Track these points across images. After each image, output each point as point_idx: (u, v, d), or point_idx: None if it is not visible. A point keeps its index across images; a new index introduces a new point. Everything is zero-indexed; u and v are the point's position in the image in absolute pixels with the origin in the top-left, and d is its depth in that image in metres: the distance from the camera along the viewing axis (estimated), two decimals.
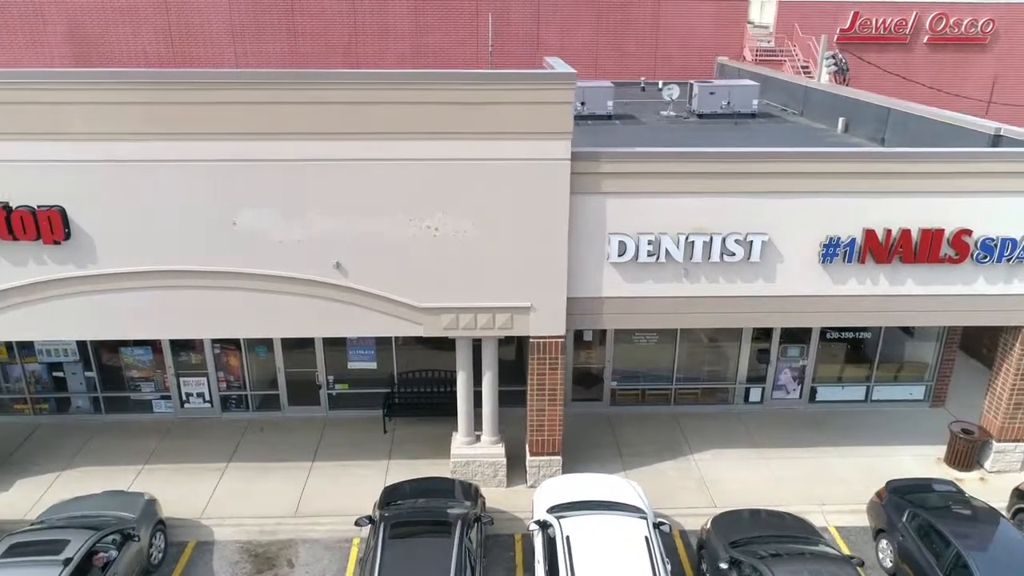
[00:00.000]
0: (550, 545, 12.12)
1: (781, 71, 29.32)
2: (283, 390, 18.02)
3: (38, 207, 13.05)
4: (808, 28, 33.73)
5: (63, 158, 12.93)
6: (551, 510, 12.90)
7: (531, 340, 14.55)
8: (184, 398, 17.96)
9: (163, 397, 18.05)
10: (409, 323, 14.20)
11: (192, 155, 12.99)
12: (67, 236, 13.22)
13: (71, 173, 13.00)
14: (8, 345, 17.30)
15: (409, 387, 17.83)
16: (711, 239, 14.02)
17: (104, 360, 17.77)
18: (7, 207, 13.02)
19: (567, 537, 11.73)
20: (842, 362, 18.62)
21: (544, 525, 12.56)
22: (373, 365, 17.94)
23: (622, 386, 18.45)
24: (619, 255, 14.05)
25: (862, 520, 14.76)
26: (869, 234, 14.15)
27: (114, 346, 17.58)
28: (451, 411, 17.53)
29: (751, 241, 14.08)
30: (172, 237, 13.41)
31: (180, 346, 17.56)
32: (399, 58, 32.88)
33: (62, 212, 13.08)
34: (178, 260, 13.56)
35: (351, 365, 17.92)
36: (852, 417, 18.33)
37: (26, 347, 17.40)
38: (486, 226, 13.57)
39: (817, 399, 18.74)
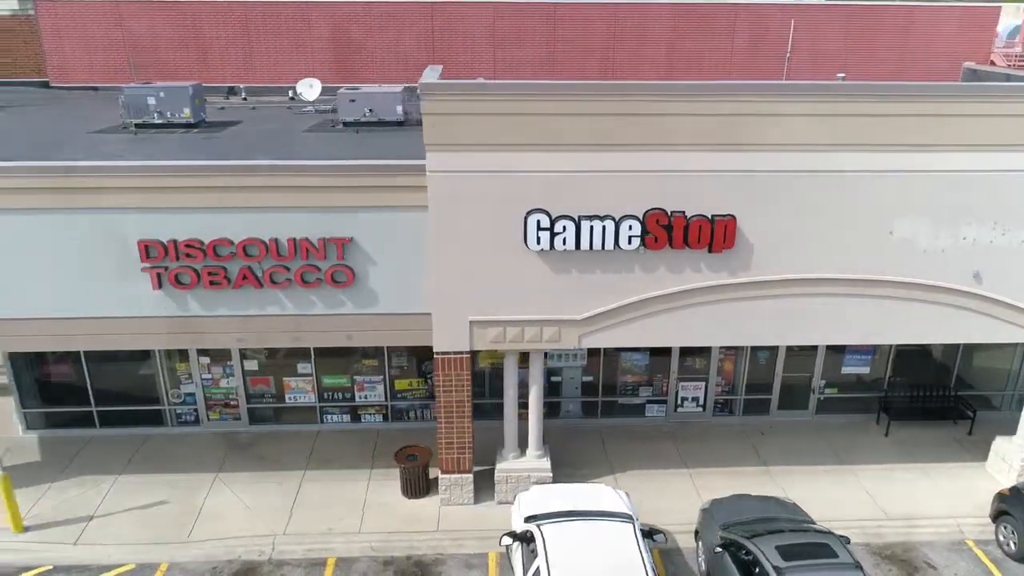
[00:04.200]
0: None
1: None
2: (776, 395, 18.26)
3: (713, 216, 13.31)
4: None
5: (735, 168, 13.18)
6: None
7: None
8: (679, 402, 18.18)
9: (651, 401, 18.27)
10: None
11: (863, 166, 13.23)
12: (733, 245, 13.49)
13: (742, 182, 13.25)
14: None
15: (904, 391, 18.09)
16: None
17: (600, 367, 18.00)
18: (684, 216, 13.27)
19: None
20: None
21: None
22: (866, 370, 18.22)
23: None
24: None
25: None
26: None
27: (615, 352, 17.78)
28: (948, 415, 17.97)
29: None
30: (824, 245, 13.68)
31: (685, 352, 17.78)
32: (653, 64, 33.09)
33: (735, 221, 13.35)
34: (826, 268, 13.85)
35: (845, 370, 18.19)
36: None
37: None
38: None
39: None
